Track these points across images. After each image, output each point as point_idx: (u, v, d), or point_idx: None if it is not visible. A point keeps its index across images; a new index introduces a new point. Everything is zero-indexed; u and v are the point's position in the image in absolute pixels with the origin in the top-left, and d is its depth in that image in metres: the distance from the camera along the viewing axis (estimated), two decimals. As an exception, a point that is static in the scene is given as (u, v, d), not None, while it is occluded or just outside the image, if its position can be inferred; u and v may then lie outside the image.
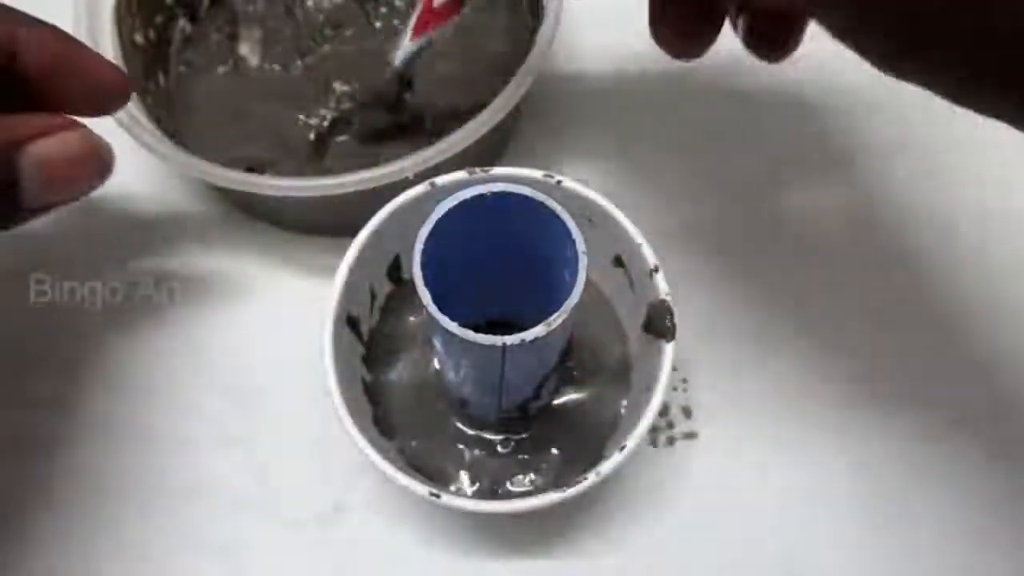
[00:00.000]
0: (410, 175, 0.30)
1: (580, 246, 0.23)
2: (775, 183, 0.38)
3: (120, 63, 0.34)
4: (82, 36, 0.33)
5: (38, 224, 0.38)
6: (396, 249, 0.31)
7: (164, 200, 0.38)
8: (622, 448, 0.27)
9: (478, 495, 0.30)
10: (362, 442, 0.27)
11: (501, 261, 0.27)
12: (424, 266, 0.23)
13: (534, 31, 0.34)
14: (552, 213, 0.24)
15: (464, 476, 0.31)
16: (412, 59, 0.34)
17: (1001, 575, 0.32)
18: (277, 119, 0.37)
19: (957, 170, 0.38)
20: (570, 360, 0.32)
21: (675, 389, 0.34)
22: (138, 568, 0.32)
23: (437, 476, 0.31)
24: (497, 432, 0.31)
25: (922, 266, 0.36)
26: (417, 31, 0.32)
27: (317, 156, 0.37)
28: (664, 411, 0.34)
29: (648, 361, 0.29)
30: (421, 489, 0.26)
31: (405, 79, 0.35)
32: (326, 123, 0.37)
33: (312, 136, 0.36)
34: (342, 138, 0.37)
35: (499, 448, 0.31)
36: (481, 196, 0.24)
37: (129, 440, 0.34)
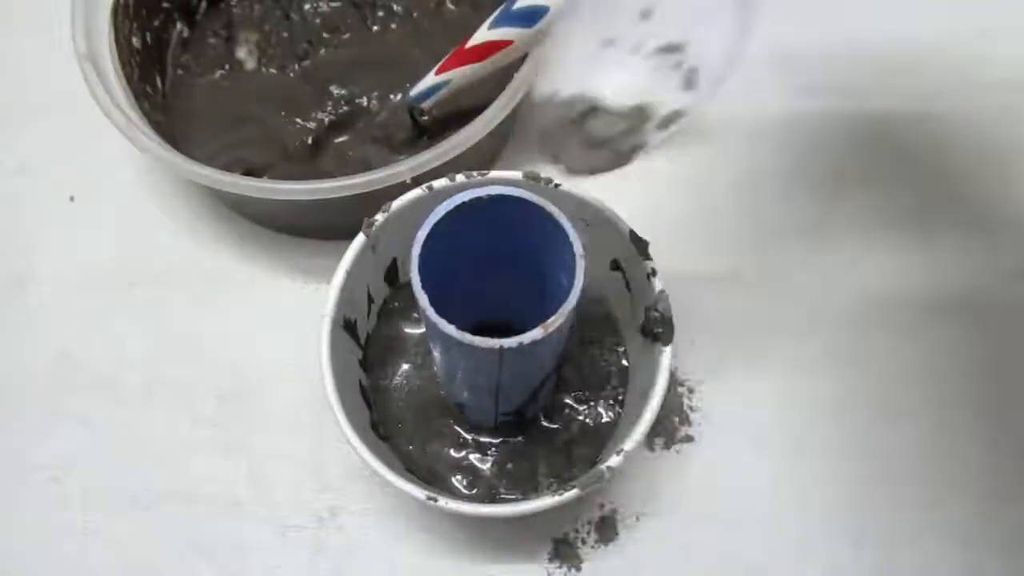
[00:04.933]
0: (407, 179, 0.30)
1: (578, 249, 0.23)
2: (776, 183, 0.38)
3: (117, 66, 0.34)
4: (80, 39, 0.33)
5: (36, 225, 0.38)
6: (393, 252, 0.31)
7: (161, 203, 0.38)
8: (619, 452, 0.26)
9: (475, 499, 0.30)
10: (360, 446, 0.27)
11: (499, 264, 0.27)
12: (422, 269, 0.23)
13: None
14: (550, 216, 0.24)
15: (461, 479, 0.31)
16: (427, 93, 0.34)
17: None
18: (274, 122, 0.37)
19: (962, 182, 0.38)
20: (567, 364, 0.32)
21: (672, 393, 0.34)
22: (134, 571, 0.32)
23: (434, 480, 0.31)
24: (494, 435, 0.31)
25: (927, 268, 0.36)
26: (441, 69, 0.32)
27: (314, 159, 0.37)
28: (662, 415, 0.34)
29: (646, 365, 0.29)
30: (419, 493, 0.26)
31: (417, 109, 0.36)
32: (323, 126, 0.37)
33: (309, 139, 0.36)
34: (341, 139, 0.37)
35: (496, 451, 0.31)
36: (479, 199, 0.24)
37: (125, 444, 0.34)
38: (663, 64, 0.22)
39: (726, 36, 0.21)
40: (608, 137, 0.23)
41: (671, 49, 0.22)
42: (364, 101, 0.37)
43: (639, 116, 0.23)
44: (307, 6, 0.40)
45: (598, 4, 0.22)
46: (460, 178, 0.29)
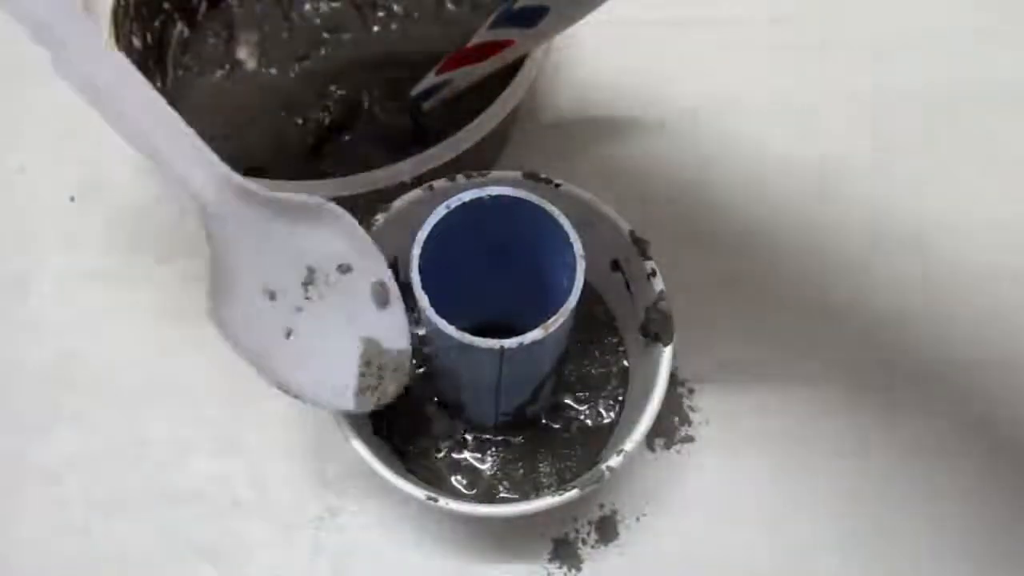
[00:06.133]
0: (408, 178, 0.30)
1: (578, 250, 0.23)
2: (776, 185, 0.38)
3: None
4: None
5: (36, 225, 0.38)
6: (394, 252, 0.31)
7: (161, 204, 0.38)
8: (619, 452, 0.26)
9: (475, 499, 0.30)
10: (361, 448, 0.26)
11: (499, 264, 0.27)
12: (422, 269, 0.23)
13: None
14: (550, 216, 0.24)
15: (461, 479, 0.31)
16: (427, 93, 0.34)
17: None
18: (274, 122, 0.37)
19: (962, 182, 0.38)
20: (567, 364, 0.32)
21: (672, 393, 0.34)
22: (134, 571, 0.32)
23: (434, 479, 0.31)
24: (494, 435, 0.31)
25: (925, 272, 0.36)
26: (441, 69, 0.32)
27: (314, 159, 0.37)
28: (662, 415, 0.34)
29: (646, 365, 0.29)
30: (419, 493, 0.26)
31: (417, 109, 0.36)
32: (323, 126, 0.37)
33: (310, 139, 0.36)
34: (341, 139, 0.37)
35: (496, 451, 0.31)
36: (479, 199, 0.24)
37: (125, 444, 0.34)
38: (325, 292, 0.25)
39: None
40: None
41: (307, 282, 0.25)
42: (364, 101, 0.37)
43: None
44: (307, 6, 0.40)
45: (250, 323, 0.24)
46: (460, 178, 0.29)
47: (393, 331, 0.26)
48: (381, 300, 0.25)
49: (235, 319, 0.24)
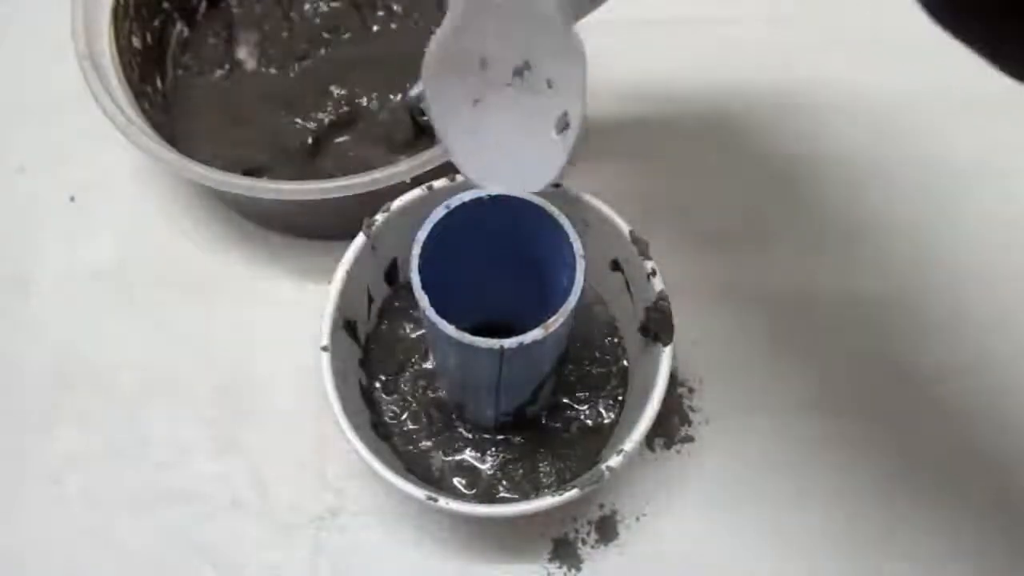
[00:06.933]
0: (408, 179, 0.30)
1: (578, 249, 0.23)
2: (777, 186, 0.38)
3: (118, 66, 0.34)
4: (80, 39, 0.33)
5: (36, 225, 0.38)
6: (393, 252, 0.31)
7: (161, 203, 0.38)
8: (619, 452, 0.26)
9: (475, 499, 0.30)
10: (361, 448, 0.26)
11: (499, 264, 0.27)
12: (422, 269, 0.23)
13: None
14: (550, 217, 0.24)
15: (461, 479, 0.31)
16: (423, 95, 0.34)
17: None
18: (274, 122, 0.37)
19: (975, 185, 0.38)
20: (567, 364, 0.32)
21: (672, 393, 0.34)
22: (134, 571, 0.32)
23: (434, 479, 0.31)
24: (494, 435, 0.31)
25: (924, 272, 0.36)
26: None
27: (314, 159, 0.37)
28: (662, 415, 0.34)
29: (646, 365, 0.29)
30: (419, 493, 0.26)
31: (417, 109, 0.36)
32: (323, 126, 0.37)
33: (309, 139, 0.36)
34: (341, 139, 0.37)
35: (496, 451, 0.31)
36: (479, 199, 0.24)
37: (125, 444, 0.34)
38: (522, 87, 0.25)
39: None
40: None
41: (519, 71, 0.25)
42: (364, 101, 0.37)
43: None
44: (307, 6, 0.40)
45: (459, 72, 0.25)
46: (460, 178, 0.29)
47: (553, 160, 0.26)
48: (561, 127, 0.26)
49: (442, 66, 0.25)
